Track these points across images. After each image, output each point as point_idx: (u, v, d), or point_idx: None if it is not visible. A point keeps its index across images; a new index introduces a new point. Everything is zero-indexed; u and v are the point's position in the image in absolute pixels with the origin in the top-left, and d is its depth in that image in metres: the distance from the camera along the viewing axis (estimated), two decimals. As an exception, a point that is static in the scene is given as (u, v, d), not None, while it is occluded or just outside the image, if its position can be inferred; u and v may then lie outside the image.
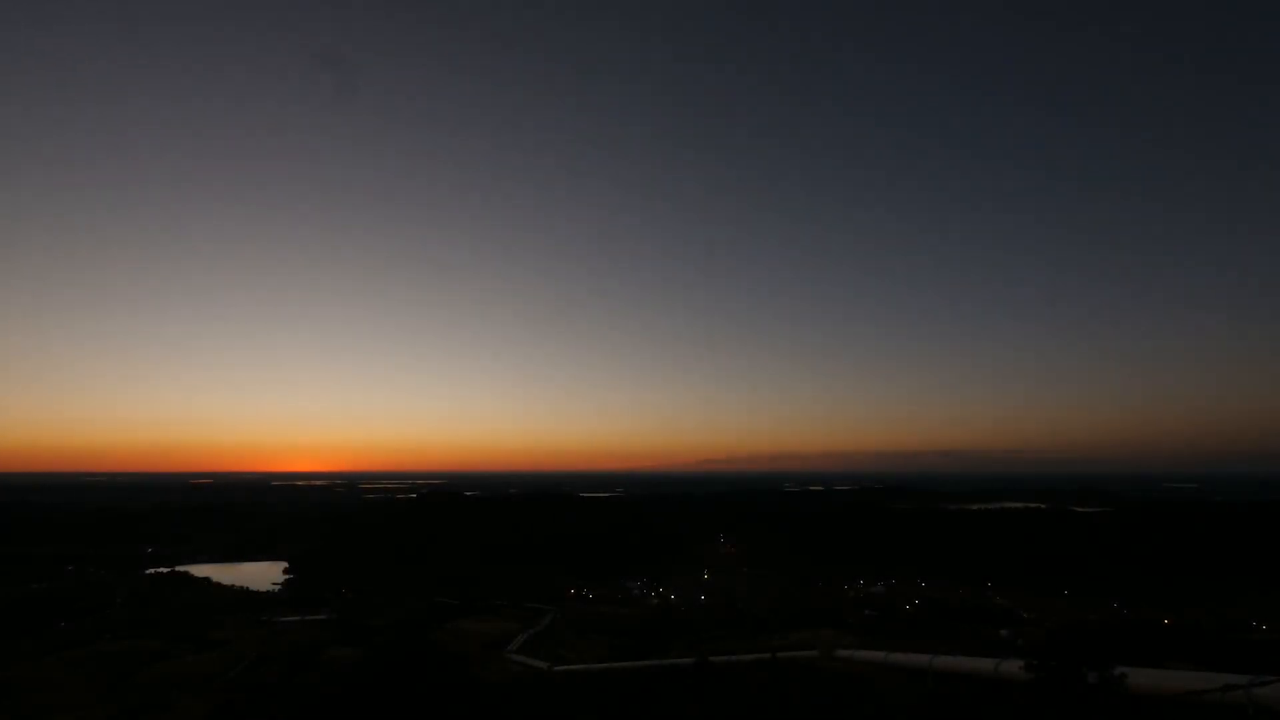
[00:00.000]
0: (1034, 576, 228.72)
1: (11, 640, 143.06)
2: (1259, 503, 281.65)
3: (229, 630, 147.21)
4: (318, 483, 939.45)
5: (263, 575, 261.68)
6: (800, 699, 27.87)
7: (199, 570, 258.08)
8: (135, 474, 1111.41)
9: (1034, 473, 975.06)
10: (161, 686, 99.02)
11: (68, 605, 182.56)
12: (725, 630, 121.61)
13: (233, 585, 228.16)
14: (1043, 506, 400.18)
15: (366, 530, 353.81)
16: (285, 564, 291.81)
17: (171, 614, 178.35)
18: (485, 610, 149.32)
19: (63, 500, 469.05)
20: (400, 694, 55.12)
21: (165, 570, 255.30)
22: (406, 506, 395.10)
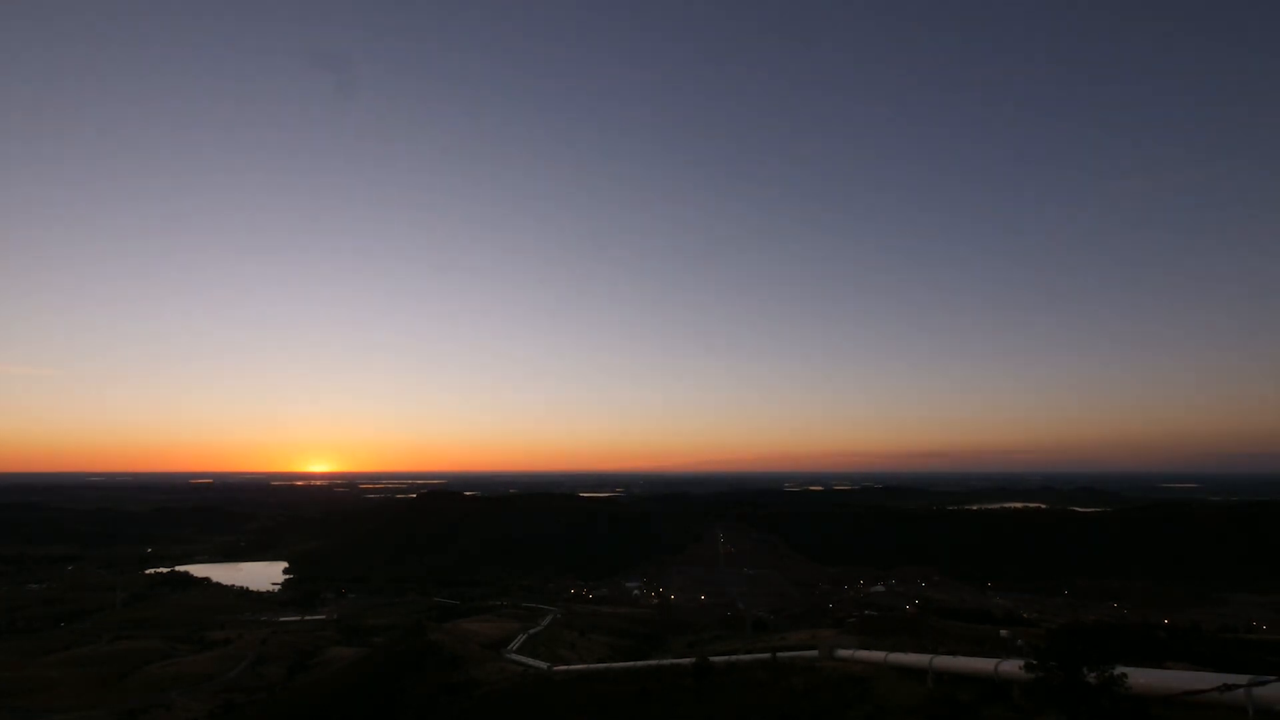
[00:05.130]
0: (1034, 576, 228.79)
1: (12, 640, 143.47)
2: (1258, 503, 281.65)
3: (229, 630, 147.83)
4: (318, 483, 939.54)
5: (263, 575, 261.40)
6: (800, 699, 27.89)
7: (199, 570, 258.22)
8: (135, 474, 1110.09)
9: (1034, 473, 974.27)
10: (161, 686, 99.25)
11: (68, 605, 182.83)
12: (725, 630, 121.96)
13: (233, 585, 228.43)
14: (1043, 506, 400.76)
15: (366, 530, 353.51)
16: (285, 564, 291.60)
17: (171, 614, 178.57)
18: (485, 610, 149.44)
19: (63, 500, 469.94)
20: (399, 695, 55.13)
21: (165, 570, 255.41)
22: (406, 506, 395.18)
